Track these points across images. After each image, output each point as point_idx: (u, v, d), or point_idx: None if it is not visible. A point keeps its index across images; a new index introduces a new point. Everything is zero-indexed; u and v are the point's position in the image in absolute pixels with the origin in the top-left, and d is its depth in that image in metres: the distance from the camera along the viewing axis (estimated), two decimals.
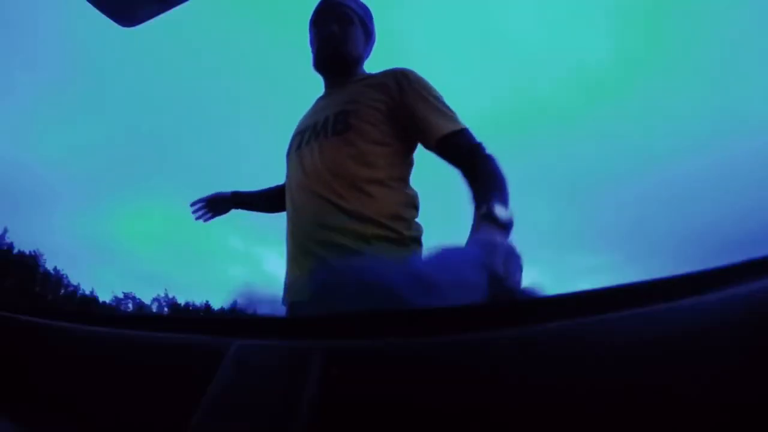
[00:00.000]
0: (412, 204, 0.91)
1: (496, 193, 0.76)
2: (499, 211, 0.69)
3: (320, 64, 1.02)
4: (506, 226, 0.68)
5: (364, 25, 1.02)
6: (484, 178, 0.80)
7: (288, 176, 0.99)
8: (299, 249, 0.88)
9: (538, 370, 0.21)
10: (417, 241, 0.89)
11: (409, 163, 0.95)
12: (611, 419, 0.19)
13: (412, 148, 0.94)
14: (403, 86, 0.89)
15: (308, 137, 0.96)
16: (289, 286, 0.90)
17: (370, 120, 0.89)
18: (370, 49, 1.08)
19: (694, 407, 0.18)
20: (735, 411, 0.17)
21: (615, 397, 0.19)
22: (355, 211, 0.84)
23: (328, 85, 1.05)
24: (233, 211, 1.24)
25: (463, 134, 0.86)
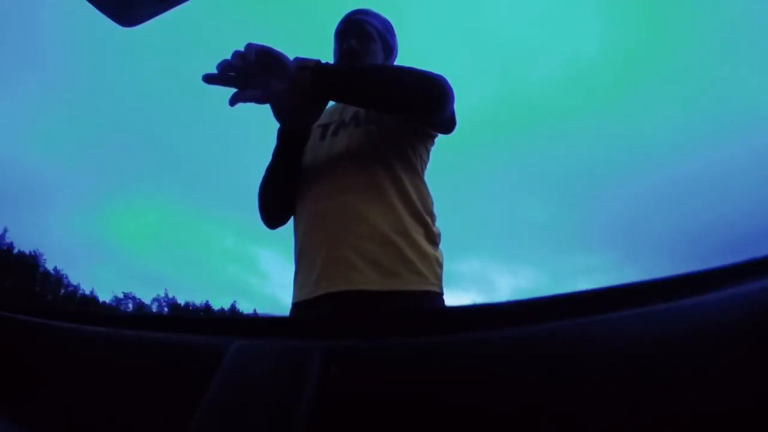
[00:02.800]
0: (433, 203, 0.93)
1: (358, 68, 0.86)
2: (309, 62, 0.79)
3: None
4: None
5: (384, 41, 1.05)
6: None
7: (307, 166, 0.93)
8: (329, 239, 0.82)
9: (538, 370, 0.21)
10: (439, 240, 0.91)
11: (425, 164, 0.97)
12: (612, 419, 0.19)
13: (427, 157, 0.97)
14: None
15: (334, 129, 0.95)
16: (307, 282, 0.83)
17: (400, 119, 0.92)
18: (391, 63, 1.10)
19: (694, 407, 0.18)
20: (735, 411, 0.17)
21: (615, 397, 0.19)
22: (396, 201, 0.85)
23: None
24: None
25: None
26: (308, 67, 0.76)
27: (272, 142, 1.02)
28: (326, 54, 1.08)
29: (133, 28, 0.60)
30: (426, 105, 0.83)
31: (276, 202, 0.96)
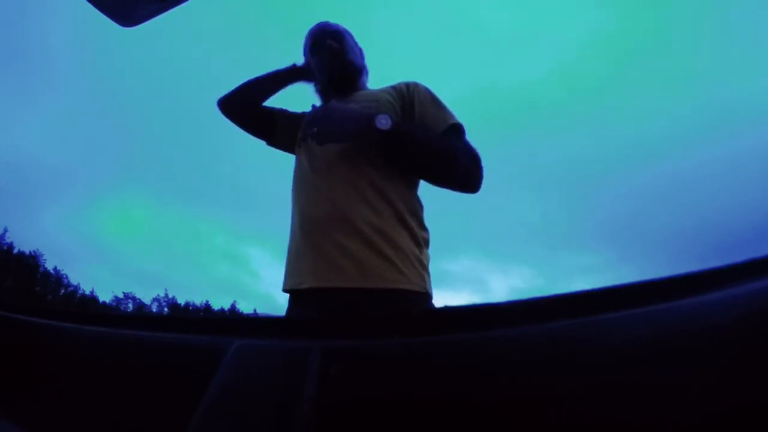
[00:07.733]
0: (422, 208, 0.96)
1: (426, 134, 0.90)
2: (383, 122, 0.84)
3: (332, 81, 1.06)
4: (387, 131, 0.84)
5: (353, 39, 1.10)
6: (446, 141, 0.91)
7: (303, 163, 0.99)
8: (315, 235, 0.87)
9: (538, 370, 0.21)
10: (427, 243, 0.92)
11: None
12: (611, 419, 0.19)
13: None
14: (412, 90, 0.99)
15: None
16: (293, 273, 0.89)
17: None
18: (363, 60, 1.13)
19: (694, 407, 0.18)
20: (735, 411, 0.17)
21: (615, 397, 0.19)
22: (380, 204, 0.88)
23: (337, 98, 1.07)
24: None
25: (462, 128, 0.97)
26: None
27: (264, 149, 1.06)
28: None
29: (133, 28, 0.60)
30: (465, 187, 0.93)
31: (247, 101, 1.10)
